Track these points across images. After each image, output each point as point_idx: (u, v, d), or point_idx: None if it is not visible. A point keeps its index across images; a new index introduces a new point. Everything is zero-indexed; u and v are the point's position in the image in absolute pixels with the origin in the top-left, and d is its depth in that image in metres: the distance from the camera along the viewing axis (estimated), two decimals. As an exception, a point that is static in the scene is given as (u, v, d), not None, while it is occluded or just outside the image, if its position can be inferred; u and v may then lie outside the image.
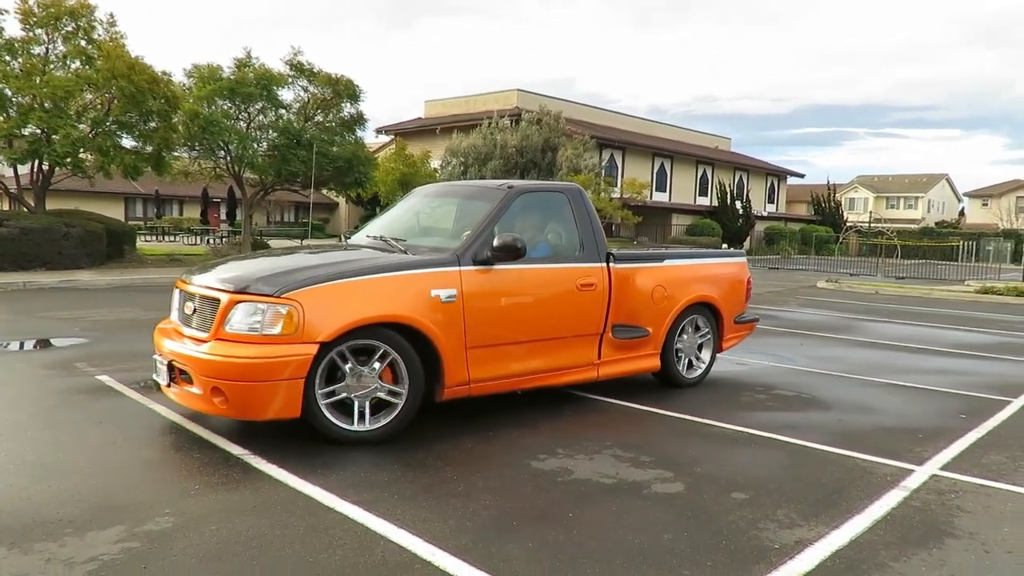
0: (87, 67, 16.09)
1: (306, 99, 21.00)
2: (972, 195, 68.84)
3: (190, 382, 4.17)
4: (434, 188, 6.31)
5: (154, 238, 29.69)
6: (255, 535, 3.05)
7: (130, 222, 31.24)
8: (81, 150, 16.11)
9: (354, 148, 21.03)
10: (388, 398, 4.31)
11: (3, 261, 13.98)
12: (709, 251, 7.44)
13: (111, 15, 17.20)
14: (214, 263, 4.93)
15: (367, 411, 4.25)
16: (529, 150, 27.65)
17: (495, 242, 4.66)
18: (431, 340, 4.36)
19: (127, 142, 17.41)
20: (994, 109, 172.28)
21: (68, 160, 15.78)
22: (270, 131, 20.05)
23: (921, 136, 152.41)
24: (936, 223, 59.56)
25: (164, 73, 17.15)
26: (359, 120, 21.58)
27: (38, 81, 15.30)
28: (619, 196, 32.51)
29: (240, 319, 4.05)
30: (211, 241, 27.43)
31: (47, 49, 16.24)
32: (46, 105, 15.37)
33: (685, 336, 6.10)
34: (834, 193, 50.67)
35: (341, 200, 39.75)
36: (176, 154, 19.16)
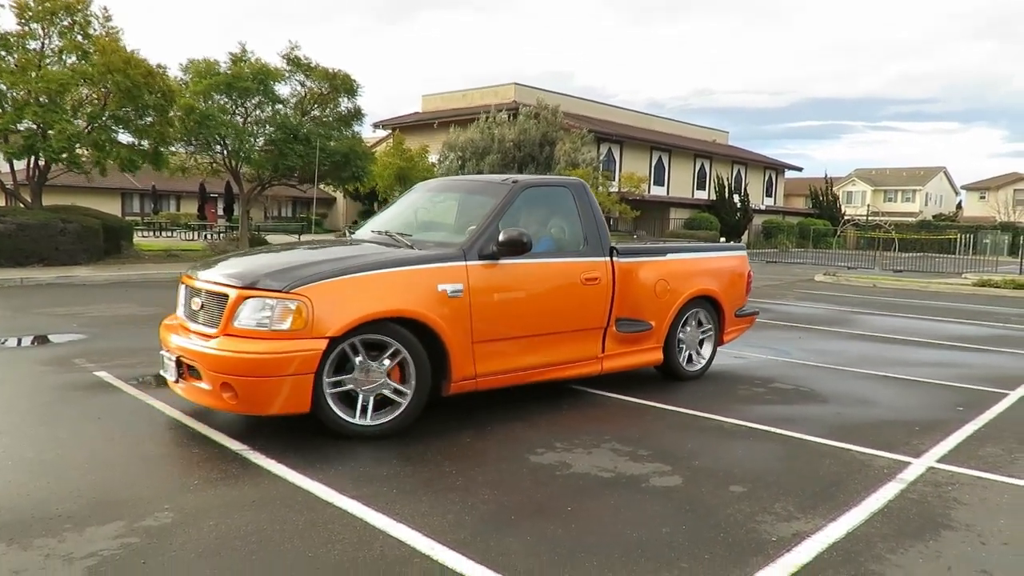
0: (83, 62, 16.02)
1: (303, 94, 20.94)
2: (970, 188, 68.90)
3: (199, 378, 4.17)
4: (437, 183, 6.31)
5: (151, 234, 29.58)
6: (254, 530, 3.06)
7: (127, 218, 31.18)
8: (77, 145, 16.05)
9: (351, 143, 20.98)
10: (393, 396, 4.31)
11: (0, 257, 13.94)
12: (710, 245, 7.48)
13: (105, 9, 17.14)
14: (219, 258, 4.93)
15: (370, 406, 4.26)
16: (527, 144, 27.61)
17: (501, 237, 4.68)
18: (438, 335, 4.38)
19: (124, 137, 17.35)
20: (992, 102, 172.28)
21: (64, 156, 15.72)
22: (267, 126, 19.99)
23: (919, 129, 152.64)
24: (934, 216, 59.62)
25: (159, 66, 17.08)
26: (356, 115, 21.53)
27: (33, 76, 15.23)
28: (617, 190, 32.46)
29: (249, 314, 4.06)
30: (208, 237, 27.37)
31: (43, 44, 16.17)
32: (42, 100, 15.30)
33: (687, 329, 6.13)
34: (831, 186, 50.67)
35: (339, 195, 39.72)
36: (173, 149, 19.09)
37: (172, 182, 27.45)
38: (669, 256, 5.98)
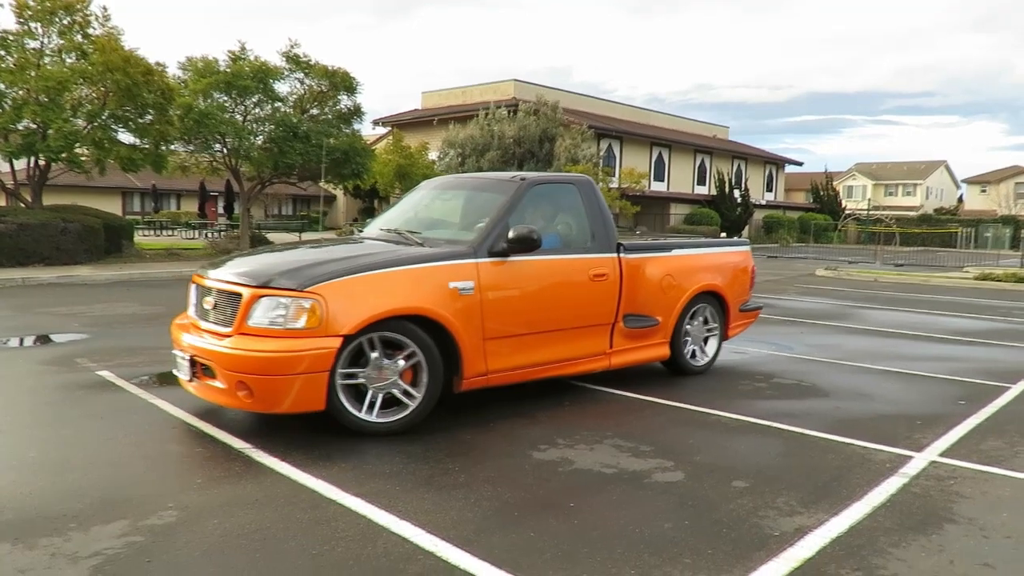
0: (82, 61, 16.01)
1: (303, 92, 20.92)
2: (971, 181, 68.77)
3: (212, 376, 4.18)
4: (445, 180, 6.32)
5: (152, 232, 29.55)
6: (258, 528, 3.07)
7: (128, 217, 31.15)
8: (77, 144, 16.04)
9: (351, 140, 20.97)
10: (401, 397, 4.32)
11: (1, 257, 13.95)
12: (715, 240, 7.52)
13: (105, 9, 17.11)
14: (229, 257, 4.94)
15: (378, 403, 4.27)
16: (527, 140, 27.59)
17: (510, 234, 4.70)
18: (450, 332, 4.40)
19: (124, 136, 17.34)
20: (992, 95, 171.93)
21: (63, 155, 15.71)
22: (267, 124, 19.97)
23: (919, 123, 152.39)
24: (935, 210, 59.53)
25: (159, 64, 17.06)
26: (356, 112, 21.51)
27: (32, 75, 15.22)
28: (617, 186, 32.43)
29: (263, 313, 4.07)
30: (209, 235, 27.35)
31: (42, 43, 16.15)
32: (41, 99, 15.29)
33: (693, 325, 6.18)
34: (832, 181, 50.61)
35: (339, 192, 39.68)
36: (173, 148, 19.08)
37: (172, 181, 27.47)
38: (675, 252, 6.02)
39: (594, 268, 5.27)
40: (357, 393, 4.24)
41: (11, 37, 15.69)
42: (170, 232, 30.12)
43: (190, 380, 4.40)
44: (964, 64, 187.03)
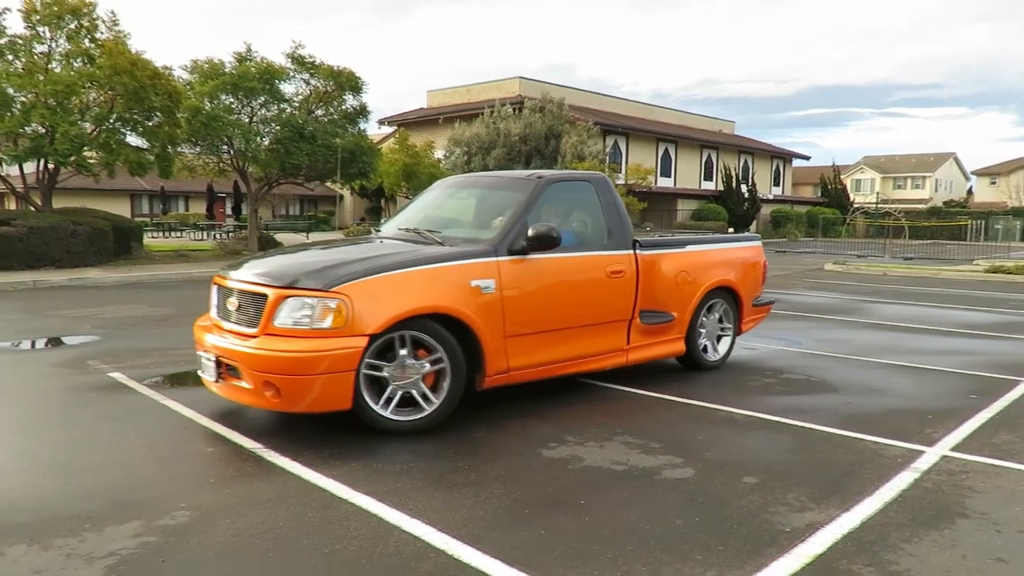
0: (89, 65, 16.10)
1: (308, 92, 20.97)
2: (980, 173, 68.25)
3: (238, 377, 4.21)
4: (460, 179, 6.35)
5: (160, 234, 29.71)
6: (270, 527, 3.09)
7: (136, 219, 31.38)
8: (85, 148, 16.14)
9: (357, 139, 21.02)
10: (419, 399, 4.33)
11: (12, 260, 14.06)
12: (727, 236, 7.56)
13: (113, 13, 17.20)
14: (247, 259, 4.98)
15: (395, 400, 4.28)
16: (532, 138, 27.56)
17: (530, 232, 4.74)
18: (473, 330, 4.43)
19: (132, 139, 17.43)
20: (1001, 86, 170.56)
21: (71, 158, 15.81)
22: (273, 124, 20.04)
23: (928, 115, 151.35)
24: (944, 202, 59.14)
25: (166, 68, 17.15)
26: (362, 112, 21.56)
27: (41, 79, 15.32)
28: (624, 182, 32.35)
29: (289, 314, 4.09)
30: (217, 236, 27.48)
31: (50, 47, 16.25)
32: (49, 102, 15.39)
33: (707, 320, 6.22)
34: (839, 175, 50.34)
35: (346, 192, 39.74)
36: (180, 150, 19.16)
37: (180, 183, 27.57)
38: (689, 248, 6.07)
39: (611, 265, 5.31)
40: (378, 387, 4.26)
41: (20, 42, 15.79)
42: (178, 234, 30.26)
43: (215, 381, 4.42)
44: (972, 55, 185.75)
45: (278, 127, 19.77)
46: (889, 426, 4.66)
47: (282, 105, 20.33)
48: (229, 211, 36.47)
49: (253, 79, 18.97)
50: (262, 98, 19.72)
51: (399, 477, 3.68)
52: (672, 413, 4.98)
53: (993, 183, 64.66)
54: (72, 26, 16.19)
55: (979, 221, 36.14)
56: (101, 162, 16.82)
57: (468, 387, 4.55)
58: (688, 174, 42.30)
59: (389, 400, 4.27)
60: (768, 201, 43.74)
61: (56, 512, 3.21)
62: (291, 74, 20.24)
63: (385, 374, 4.23)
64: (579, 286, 5.15)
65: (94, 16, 16.44)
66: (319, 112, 21.18)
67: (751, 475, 3.76)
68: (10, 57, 15.71)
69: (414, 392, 4.31)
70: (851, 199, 50.22)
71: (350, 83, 20.75)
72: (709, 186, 42.52)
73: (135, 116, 16.70)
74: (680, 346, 5.92)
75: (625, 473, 3.78)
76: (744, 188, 38.90)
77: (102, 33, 16.66)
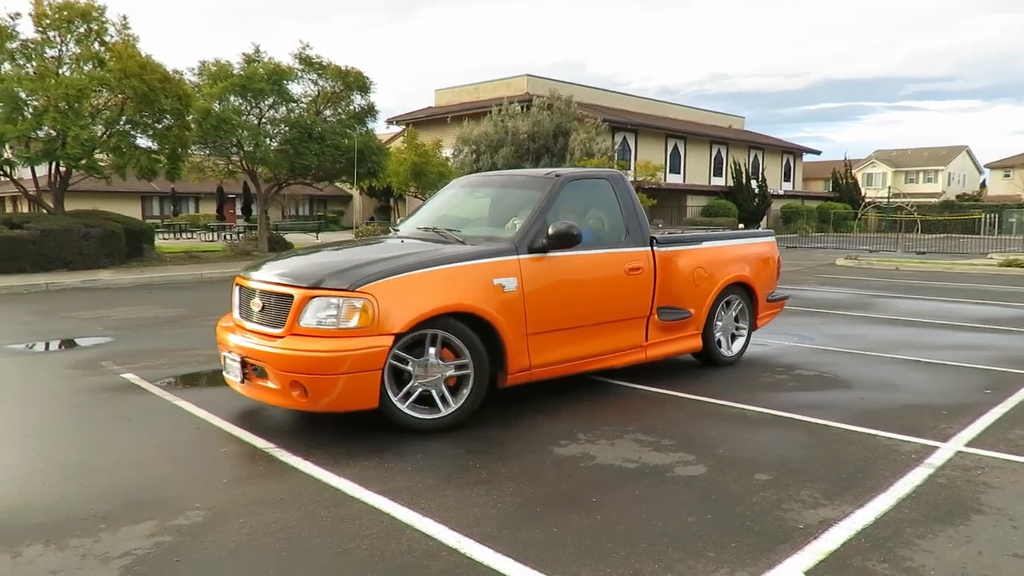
0: (99, 68, 16.21)
1: (316, 93, 21.03)
2: (993, 166, 67.59)
3: (264, 377, 4.23)
4: (477, 178, 6.37)
5: (171, 236, 29.90)
6: (283, 527, 3.10)
7: (147, 220, 31.58)
8: (96, 151, 16.25)
9: (365, 139, 21.06)
10: (437, 400, 4.34)
11: (25, 263, 14.19)
12: (741, 232, 7.55)
13: (124, 17, 17.32)
14: (266, 260, 5.00)
15: (414, 396, 4.29)
16: (541, 135, 27.54)
17: (550, 230, 4.75)
18: (496, 328, 4.45)
19: (142, 142, 17.54)
20: (1015, 78, 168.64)
21: (83, 161, 15.93)
22: (282, 125, 20.11)
23: (939, 108, 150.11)
24: (957, 196, 58.61)
25: (176, 72, 17.25)
26: (370, 111, 21.60)
27: (52, 83, 15.45)
28: (633, 179, 32.29)
29: (315, 314, 4.11)
30: (228, 237, 27.61)
31: (60, 51, 16.38)
32: (60, 106, 15.52)
33: (724, 316, 6.24)
34: (850, 169, 50.01)
35: (355, 192, 39.86)
36: (190, 151, 19.26)
37: (191, 184, 27.74)
38: (705, 244, 6.09)
39: (629, 262, 5.32)
40: (399, 380, 4.28)
41: (31, 46, 15.92)
42: (189, 235, 30.44)
43: (241, 381, 4.44)
44: (984, 47, 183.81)
45: (287, 128, 19.84)
46: (903, 422, 4.63)
47: (290, 106, 20.39)
48: (239, 212, 36.62)
49: (261, 80, 19.03)
50: (270, 99, 19.80)
51: (411, 476, 3.69)
52: (683, 410, 4.96)
53: (1007, 176, 63.98)
54: (82, 30, 16.32)
55: (993, 214, 35.78)
56: (112, 165, 16.93)
57: (490, 385, 4.56)
58: (697, 170, 42.15)
59: (408, 395, 4.28)
60: (779, 196, 43.54)
61: (71, 512, 3.24)
62: (299, 75, 20.30)
63: (409, 368, 4.25)
64: (598, 284, 5.16)
65: (103, 20, 16.56)
66: (327, 112, 21.24)
67: (763, 472, 3.74)
68: (22, 61, 15.84)
69: (433, 392, 4.33)
70: (863, 194, 49.89)
71: (358, 83, 20.79)
72: (719, 182, 42.36)
73: (145, 119, 16.81)
74: (697, 342, 5.93)
75: (637, 470, 3.77)
76: (754, 184, 38.73)
77: (111, 36, 16.79)
